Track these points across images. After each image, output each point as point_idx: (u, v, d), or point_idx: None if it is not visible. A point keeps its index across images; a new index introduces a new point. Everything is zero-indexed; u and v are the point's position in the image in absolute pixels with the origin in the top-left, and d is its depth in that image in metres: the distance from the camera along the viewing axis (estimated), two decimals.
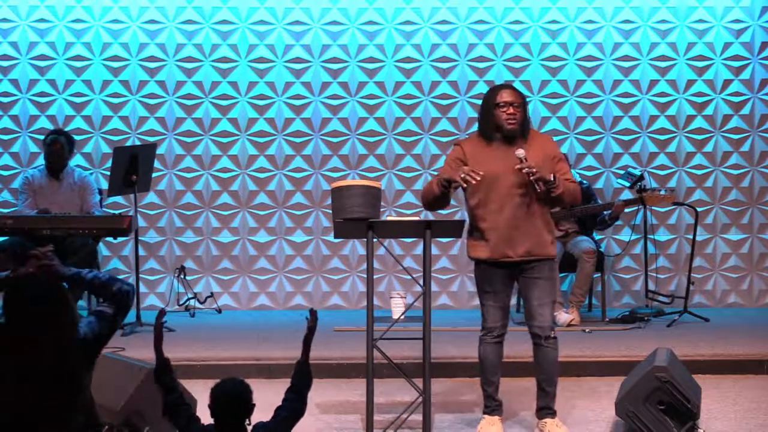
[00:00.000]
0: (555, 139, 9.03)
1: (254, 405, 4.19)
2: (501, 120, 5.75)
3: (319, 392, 6.86)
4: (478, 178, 5.59)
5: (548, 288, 5.82)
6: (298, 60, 9.44)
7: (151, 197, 9.29)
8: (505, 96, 5.77)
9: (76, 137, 8.90)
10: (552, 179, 5.67)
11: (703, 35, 9.54)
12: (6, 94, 9.29)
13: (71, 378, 3.77)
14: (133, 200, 8.40)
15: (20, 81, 9.30)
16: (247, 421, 4.16)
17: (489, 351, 5.85)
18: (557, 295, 7.74)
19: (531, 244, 5.73)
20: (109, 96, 9.34)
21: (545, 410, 5.86)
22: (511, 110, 5.74)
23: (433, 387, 5.79)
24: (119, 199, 9.01)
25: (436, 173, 9.41)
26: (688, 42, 9.54)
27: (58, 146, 8.40)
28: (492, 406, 5.91)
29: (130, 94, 9.36)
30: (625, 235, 9.26)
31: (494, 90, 5.88)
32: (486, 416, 5.92)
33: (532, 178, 5.60)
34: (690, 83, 9.54)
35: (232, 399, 4.18)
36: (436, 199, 5.79)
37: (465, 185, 5.65)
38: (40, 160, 8.78)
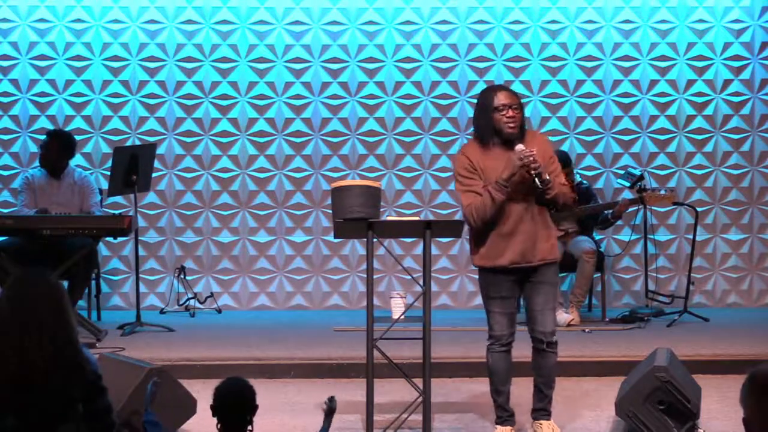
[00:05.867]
0: (555, 139, 9.13)
1: (257, 406, 4.18)
2: (501, 124, 5.59)
3: (319, 392, 6.86)
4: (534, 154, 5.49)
5: (552, 293, 5.75)
6: (298, 60, 9.44)
7: (151, 197, 9.29)
8: (503, 99, 5.61)
9: (76, 137, 8.88)
10: (548, 179, 5.53)
11: (703, 35, 9.54)
12: (6, 94, 9.29)
13: (60, 388, 3.75)
14: (133, 200, 8.40)
15: (20, 81, 9.30)
16: (249, 427, 4.14)
17: (498, 360, 5.77)
18: (557, 296, 7.71)
19: (537, 247, 5.64)
20: (109, 96, 9.34)
21: (541, 412, 5.81)
22: (511, 113, 5.59)
23: (433, 387, 5.79)
24: (119, 199, 9.00)
25: (436, 173, 9.48)
26: (688, 42, 9.54)
27: (47, 148, 8.35)
28: (504, 416, 5.82)
29: (130, 94, 9.36)
30: (625, 235, 9.26)
31: (490, 92, 5.72)
32: (498, 427, 5.84)
33: (533, 172, 5.46)
34: (690, 83, 9.54)
35: (237, 399, 4.16)
36: (495, 207, 5.54)
37: (533, 169, 5.47)
38: None
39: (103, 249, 9.15)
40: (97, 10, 9.35)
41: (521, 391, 6.16)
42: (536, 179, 5.50)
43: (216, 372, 6.61)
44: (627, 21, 9.53)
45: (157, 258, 9.38)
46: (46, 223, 7.83)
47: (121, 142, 9.22)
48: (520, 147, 5.55)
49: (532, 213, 5.66)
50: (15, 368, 3.71)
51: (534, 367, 5.82)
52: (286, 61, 9.43)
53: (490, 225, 5.63)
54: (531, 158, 5.48)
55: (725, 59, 9.54)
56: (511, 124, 5.60)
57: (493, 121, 5.62)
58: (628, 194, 9.02)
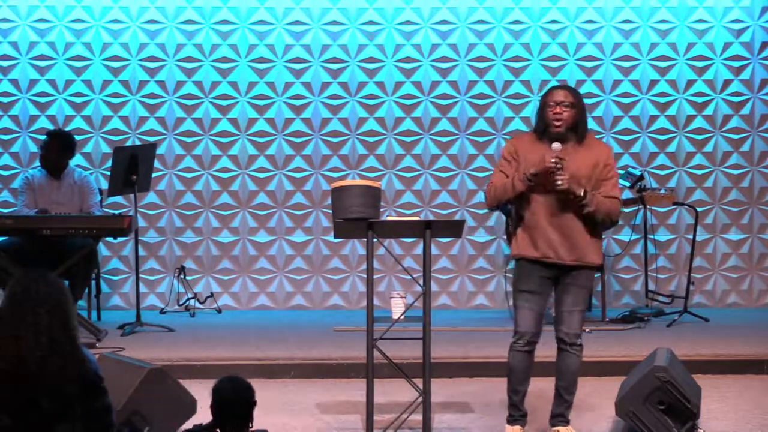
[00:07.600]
0: None
1: (256, 402, 4.18)
2: (548, 120, 5.58)
3: (319, 392, 6.86)
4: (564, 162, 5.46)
5: (582, 295, 5.67)
6: (298, 60, 9.44)
7: (151, 197, 9.29)
8: (555, 95, 5.61)
9: (76, 137, 8.88)
10: (582, 194, 5.48)
11: (703, 35, 9.55)
12: (6, 94, 9.29)
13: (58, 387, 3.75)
14: (133, 200, 8.40)
15: (20, 81, 9.30)
16: (250, 424, 4.15)
17: (518, 359, 5.70)
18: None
19: (574, 248, 5.58)
20: (109, 96, 9.35)
21: (559, 418, 5.75)
22: (558, 110, 5.55)
23: (433, 387, 5.79)
24: (119, 199, 9.01)
25: (436, 173, 9.48)
26: (688, 42, 9.54)
27: (47, 148, 8.34)
28: (516, 416, 5.76)
29: (130, 94, 9.36)
30: (625, 235, 9.26)
31: (550, 89, 5.74)
32: (508, 426, 5.79)
33: (558, 180, 5.43)
34: (690, 83, 9.54)
35: (235, 399, 4.16)
36: (516, 196, 5.59)
37: (558, 168, 5.43)
38: None
39: (103, 249, 9.16)
40: (97, 10, 9.35)
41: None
42: (558, 185, 5.47)
43: (216, 372, 6.60)
44: (627, 21, 9.53)
45: (157, 258, 9.38)
46: (46, 223, 7.83)
47: (121, 142, 9.22)
48: (556, 146, 5.51)
49: (570, 210, 5.57)
50: (15, 368, 3.71)
51: (556, 370, 5.75)
52: (286, 61, 9.44)
53: (530, 216, 5.60)
54: (556, 164, 5.45)
55: (725, 59, 9.55)
56: (557, 122, 5.58)
57: (545, 117, 5.63)
58: (628, 194, 9.03)
